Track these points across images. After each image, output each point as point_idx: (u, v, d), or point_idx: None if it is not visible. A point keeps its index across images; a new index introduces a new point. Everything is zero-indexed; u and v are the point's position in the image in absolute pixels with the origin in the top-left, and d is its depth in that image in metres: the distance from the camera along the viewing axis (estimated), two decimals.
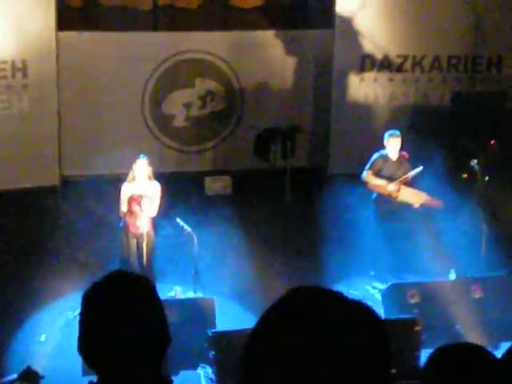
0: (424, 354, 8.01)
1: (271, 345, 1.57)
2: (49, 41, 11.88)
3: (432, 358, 2.60)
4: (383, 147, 10.42)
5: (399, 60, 12.93)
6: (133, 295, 2.40)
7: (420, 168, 10.25)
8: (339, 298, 1.64)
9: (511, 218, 11.38)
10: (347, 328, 1.57)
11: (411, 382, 6.99)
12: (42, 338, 8.95)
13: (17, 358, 8.34)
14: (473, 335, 8.62)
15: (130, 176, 9.57)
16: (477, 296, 9.45)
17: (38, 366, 7.89)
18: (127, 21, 12.57)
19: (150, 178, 9.55)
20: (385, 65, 12.92)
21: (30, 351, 8.55)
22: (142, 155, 9.62)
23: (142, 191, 9.46)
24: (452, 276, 9.92)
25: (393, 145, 10.32)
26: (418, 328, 8.40)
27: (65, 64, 12.11)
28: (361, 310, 1.62)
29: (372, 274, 10.51)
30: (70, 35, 12.21)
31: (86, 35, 12.40)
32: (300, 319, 1.57)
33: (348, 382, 1.54)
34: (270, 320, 1.61)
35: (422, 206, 10.32)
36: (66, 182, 12.39)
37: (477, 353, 2.60)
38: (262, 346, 1.59)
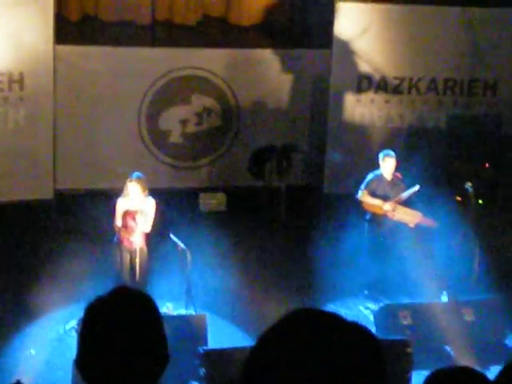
0: (415, 376, 8.00)
1: (271, 364, 1.57)
2: (46, 54, 11.87)
3: (429, 381, 2.59)
4: (378, 167, 10.46)
5: (396, 82, 12.97)
6: (135, 311, 2.40)
7: (417, 187, 10.29)
8: (337, 319, 1.65)
9: (504, 241, 11.41)
10: (345, 349, 1.59)
11: None
12: (32, 351, 8.91)
13: (6, 371, 8.30)
14: (463, 357, 8.62)
15: (125, 191, 9.57)
16: (468, 319, 9.47)
17: (28, 380, 7.89)
18: (125, 36, 12.60)
19: (145, 194, 9.54)
20: (381, 86, 12.96)
21: (19, 365, 8.51)
22: (134, 174, 9.58)
23: (136, 206, 9.46)
24: (444, 298, 9.93)
25: (388, 165, 10.37)
26: (409, 349, 8.38)
27: (62, 77, 12.11)
28: (359, 331, 1.64)
29: (366, 293, 10.52)
30: (67, 49, 12.21)
31: (84, 49, 12.42)
32: (299, 340, 1.58)
33: None
34: (270, 340, 1.62)
35: (416, 225, 10.36)
36: (60, 195, 12.36)
37: (473, 376, 2.59)
38: (261, 366, 1.59)
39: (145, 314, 2.41)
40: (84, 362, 2.36)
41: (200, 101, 12.97)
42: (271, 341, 1.62)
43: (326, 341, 1.59)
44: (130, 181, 9.51)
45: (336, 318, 1.66)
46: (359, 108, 13.00)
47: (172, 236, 9.76)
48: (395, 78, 12.96)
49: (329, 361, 1.56)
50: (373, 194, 10.36)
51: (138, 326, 2.37)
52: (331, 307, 9.67)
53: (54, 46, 11.95)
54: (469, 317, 9.46)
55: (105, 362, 2.32)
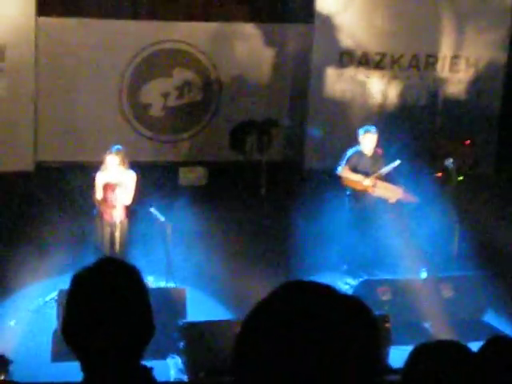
0: (393, 351, 8.04)
1: (264, 338, 1.58)
2: (28, 25, 11.78)
3: (414, 356, 2.60)
4: (359, 143, 10.46)
5: (377, 57, 12.96)
6: (122, 282, 2.41)
7: (397, 162, 10.29)
8: (332, 291, 1.66)
9: (483, 217, 11.46)
10: (340, 320, 1.60)
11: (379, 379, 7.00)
12: (12, 323, 8.90)
13: None
14: (442, 333, 8.66)
15: (104, 164, 9.55)
16: (447, 295, 9.52)
17: (8, 351, 7.88)
18: (107, 8, 12.49)
19: (125, 167, 9.52)
20: (363, 62, 12.94)
21: None
22: (114, 148, 9.56)
23: (116, 179, 9.43)
24: (423, 274, 9.98)
25: (368, 141, 10.36)
26: (388, 325, 8.41)
27: (43, 49, 12.02)
28: (353, 302, 1.64)
29: (345, 268, 10.55)
30: (49, 21, 12.10)
31: (66, 21, 12.30)
32: (293, 312, 1.59)
33: (339, 373, 1.55)
34: (263, 313, 1.62)
35: (397, 201, 10.38)
36: (40, 167, 12.30)
37: (458, 349, 2.61)
38: (254, 340, 1.60)
39: (131, 285, 2.43)
40: (70, 332, 2.37)
41: (181, 74, 12.91)
42: (264, 314, 1.62)
43: (320, 313, 1.59)
44: (109, 153, 9.50)
45: (329, 289, 1.66)
46: (340, 83, 12.98)
47: (152, 209, 9.75)
48: (377, 53, 12.95)
49: (324, 333, 1.56)
50: (353, 170, 10.36)
51: (125, 296, 2.38)
52: None
53: (36, 17, 11.86)
54: (448, 293, 9.51)
55: (91, 332, 2.33)
